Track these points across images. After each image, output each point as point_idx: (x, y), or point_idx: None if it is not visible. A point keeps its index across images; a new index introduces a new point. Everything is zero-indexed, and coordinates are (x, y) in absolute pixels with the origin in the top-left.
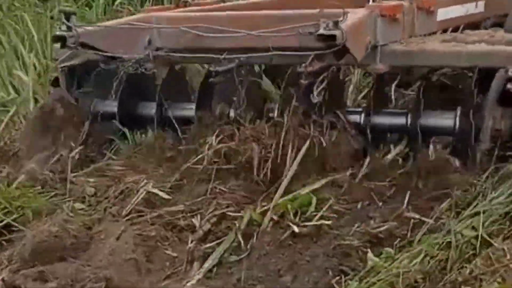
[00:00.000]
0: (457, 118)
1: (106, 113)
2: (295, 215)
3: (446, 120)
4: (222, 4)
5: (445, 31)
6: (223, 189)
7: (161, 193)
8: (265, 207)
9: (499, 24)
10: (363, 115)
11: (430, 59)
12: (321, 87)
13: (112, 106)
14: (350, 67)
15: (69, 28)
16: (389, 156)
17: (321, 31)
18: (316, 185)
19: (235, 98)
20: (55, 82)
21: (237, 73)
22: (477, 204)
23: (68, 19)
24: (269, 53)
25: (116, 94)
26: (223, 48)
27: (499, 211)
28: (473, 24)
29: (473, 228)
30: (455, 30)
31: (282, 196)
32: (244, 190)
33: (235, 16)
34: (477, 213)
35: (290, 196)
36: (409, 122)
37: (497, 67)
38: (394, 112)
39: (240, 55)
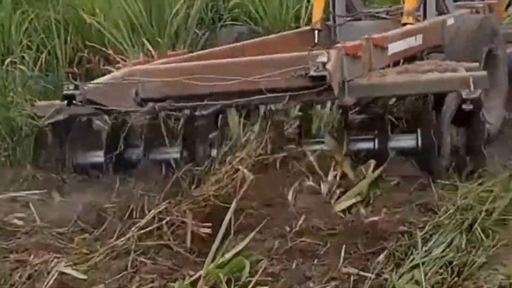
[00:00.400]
0: (419, 139)
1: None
2: (228, 283)
3: (410, 141)
4: (197, 53)
5: (395, 63)
6: (145, 261)
7: (75, 273)
8: (195, 277)
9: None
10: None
11: (391, 90)
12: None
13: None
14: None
15: (76, 87)
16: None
17: (312, 73)
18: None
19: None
20: None
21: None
22: (414, 255)
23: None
24: (263, 96)
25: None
26: (214, 93)
27: (437, 262)
28: (414, 55)
29: (416, 282)
30: (399, 62)
31: (212, 262)
32: (169, 260)
33: (223, 63)
34: (417, 265)
35: (220, 262)
36: (377, 146)
37: (450, 91)
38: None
39: (237, 100)
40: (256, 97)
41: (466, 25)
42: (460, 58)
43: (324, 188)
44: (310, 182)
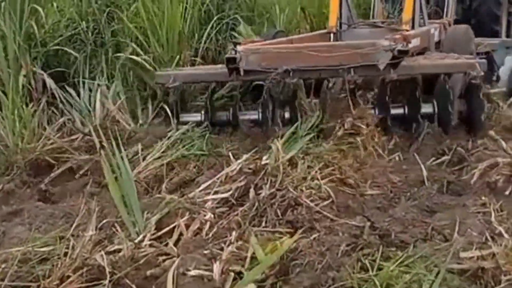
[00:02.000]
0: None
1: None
2: None
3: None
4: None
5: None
6: None
7: None
8: None
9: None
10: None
11: (423, 70)
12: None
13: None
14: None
15: (235, 52)
16: None
17: (400, 47)
18: None
19: None
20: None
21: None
22: None
23: (235, 45)
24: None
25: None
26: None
27: None
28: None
29: None
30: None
31: None
32: None
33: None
34: None
35: None
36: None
37: (462, 72)
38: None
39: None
40: (350, 66)
41: (458, 31)
42: (457, 52)
43: None
44: None
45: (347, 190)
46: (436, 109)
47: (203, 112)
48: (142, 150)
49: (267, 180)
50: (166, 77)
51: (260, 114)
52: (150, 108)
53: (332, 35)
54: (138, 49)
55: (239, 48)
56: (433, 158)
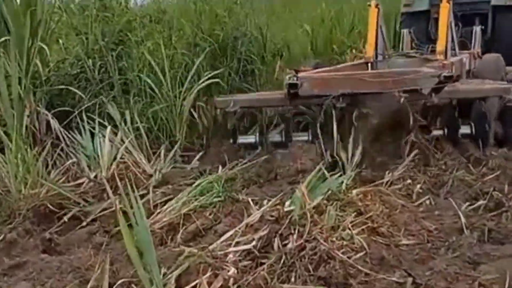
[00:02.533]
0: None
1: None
2: None
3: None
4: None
5: None
6: None
7: None
8: None
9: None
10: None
11: (465, 94)
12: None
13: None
14: None
15: (297, 79)
16: None
17: (446, 74)
18: None
19: None
20: None
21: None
22: None
23: (297, 72)
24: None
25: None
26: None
27: None
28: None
29: None
30: None
31: None
32: None
33: (375, 73)
34: None
35: None
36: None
37: (498, 96)
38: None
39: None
40: (399, 91)
41: (491, 59)
42: (490, 79)
43: None
44: None
45: (380, 240)
46: (474, 130)
47: (257, 134)
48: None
49: (293, 229)
50: (226, 102)
51: (311, 136)
52: (163, 152)
53: (370, 64)
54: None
55: (300, 74)
56: (468, 203)
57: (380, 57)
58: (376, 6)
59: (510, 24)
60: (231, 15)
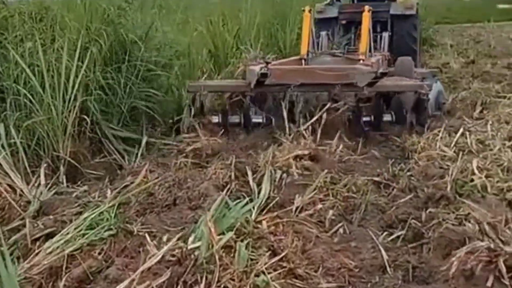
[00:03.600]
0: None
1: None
2: None
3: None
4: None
5: None
6: None
7: None
8: None
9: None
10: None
11: (389, 88)
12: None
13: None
14: None
15: (267, 69)
16: None
17: (381, 70)
18: None
19: None
20: None
21: None
22: None
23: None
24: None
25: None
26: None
27: None
28: None
29: None
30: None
31: None
32: None
33: (326, 68)
34: None
35: None
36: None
37: (414, 91)
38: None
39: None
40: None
41: (405, 61)
42: (405, 77)
43: None
44: None
45: (298, 284)
46: (394, 118)
47: (220, 115)
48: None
49: (199, 275)
50: (197, 87)
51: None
52: (43, 172)
53: (303, 60)
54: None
55: (269, 66)
56: (385, 233)
57: (311, 55)
58: (309, 11)
59: (405, 30)
60: (124, 15)
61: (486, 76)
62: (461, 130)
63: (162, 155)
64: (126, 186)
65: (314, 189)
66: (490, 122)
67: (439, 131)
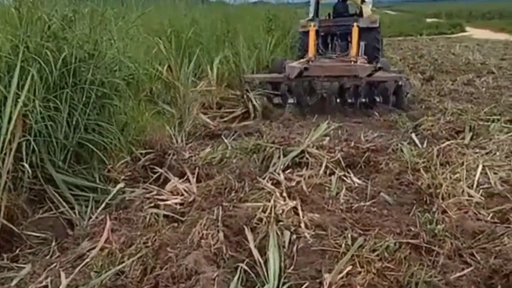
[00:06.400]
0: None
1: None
2: None
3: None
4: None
5: None
6: None
7: None
8: None
9: None
10: None
11: (379, 78)
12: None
13: None
14: None
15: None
16: None
17: (379, 65)
18: None
19: None
20: None
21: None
22: None
23: (308, 62)
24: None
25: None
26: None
27: None
28: None
29: None
30: None
31: None
32: None
33: (342, 64)
34: None
35: None
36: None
37: (393, 80)
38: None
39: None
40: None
41: (385, 61)
42: (387, 71)
43: None
44: None
45: None
46: (381, 99)
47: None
48: None
49: None
50: (251, 79)
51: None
52: None
53: (311, 61)
54: None
55: (305, 65)
56: None
57: (313, 58)
58: (314, 26)
59: (370, 39)
60: (70, 26)
61: (455, 94)
62: (480, 166)
63: (124, 207)
64: (82, 257)
65: (336, 258)
66: (496, 153)
67: (451, 166)
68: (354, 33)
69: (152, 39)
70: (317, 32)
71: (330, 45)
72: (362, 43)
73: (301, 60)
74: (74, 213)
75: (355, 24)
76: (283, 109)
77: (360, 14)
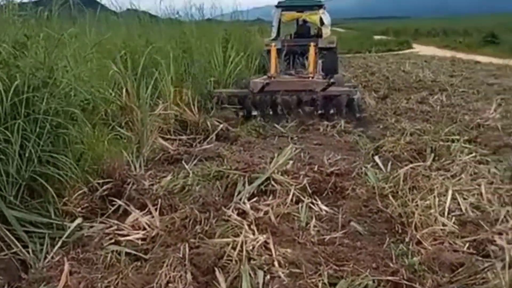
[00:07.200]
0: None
1: None
2: None
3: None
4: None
5: None
6: None
7: None
8: None
9: None
10: None
11: (333, 92)
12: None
13: None
14: None
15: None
16: None
17: (332, 80)
18: None
19: None
20: None
21: None
22: None
23: (269, 78)
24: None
25: None
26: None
27: None
28: None
29: None
30: None
31: None
32: None
33: (299, 80)
34: None
35: None
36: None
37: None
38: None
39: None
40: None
41: (339, 77)
42: (340, 86)
43: None
44: None
45: None
46: (335, 111)
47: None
48: None
49: None
50: (219, 93)
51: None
52: None
53: (272, 78)
54: None
55: (267, 80)
56: None
57: (275, 74)
58: (274, 46)
59: (329, 58)
60: (23, 52)
61: (411, 113)
62: (450, 192)
63: (83, 245)
64: None
65: None
66: (462, 176)
67: (419, 192)
68: (311, 51)
69: (106, 62)
70: (279, 50)
71: (292, 63)
72: (320, 61)
73: (264, 76)
74: (28, 252)
75: (311, 44)
76: (242, 129)
77: (320, 35)
